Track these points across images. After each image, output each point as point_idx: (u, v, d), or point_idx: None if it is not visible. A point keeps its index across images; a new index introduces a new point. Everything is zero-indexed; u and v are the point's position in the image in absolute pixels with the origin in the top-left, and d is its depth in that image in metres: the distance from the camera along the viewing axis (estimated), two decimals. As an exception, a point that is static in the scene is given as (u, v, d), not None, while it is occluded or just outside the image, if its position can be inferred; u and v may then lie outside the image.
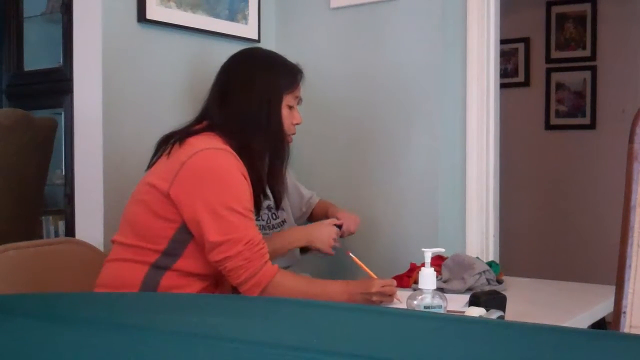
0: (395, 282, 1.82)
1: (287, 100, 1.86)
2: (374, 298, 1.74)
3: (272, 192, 1.89)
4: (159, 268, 1.67)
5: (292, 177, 2.39)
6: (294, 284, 1.71)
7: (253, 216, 1.70)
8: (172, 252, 1.67)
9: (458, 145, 2.45)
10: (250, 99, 1.79)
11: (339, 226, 2.17)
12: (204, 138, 1.72)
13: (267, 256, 1.67)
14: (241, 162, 1.71)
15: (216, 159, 1.68)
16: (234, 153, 1.70)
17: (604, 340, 0.80)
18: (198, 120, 1.82)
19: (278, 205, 1.99)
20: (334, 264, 2.48)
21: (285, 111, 1.85)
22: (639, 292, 1.21)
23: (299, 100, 1.91)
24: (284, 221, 2.28)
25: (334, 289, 1.75)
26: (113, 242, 1.74)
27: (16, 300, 1.00)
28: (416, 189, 2.43)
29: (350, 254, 1.94)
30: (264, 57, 1.90)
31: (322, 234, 2.09)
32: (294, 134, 1.92)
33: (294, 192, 2.38)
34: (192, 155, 1.66)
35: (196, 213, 1.63)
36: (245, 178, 1.70)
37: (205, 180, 1.65)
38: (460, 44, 2.45)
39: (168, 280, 1.66)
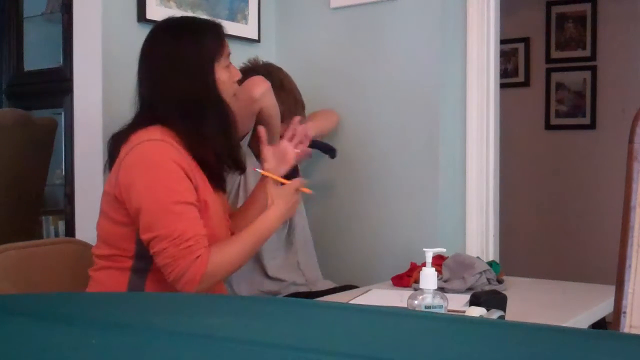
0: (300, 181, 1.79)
1: (221, 62, 1.74)
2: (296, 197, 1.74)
3: (233, 161, 1.79)
4: (138, 272, 1.65)
5: None
6: (227, 257, 1.63)
7: (188, 208, 1.60)
8: (144, 253, 1.63)
9: (458, 145, 2.45)
10: (182, 78, 1.69)
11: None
12: (143, 132, 1.64)
13: (200, 250, 1.57)
14: (179, 150, 1.63)
15: (147, 152, 1.62)
16: (170, 142, 1.63)
17: (604, 340, 0.80)
18: (140, 113, 1.73)
19: (243, 171, 1.87)
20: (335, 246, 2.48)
21: (223, 74, 1.75)
22: (639, 292, 1.21)
23: (230, 54, 1.79)
24: None
25: (265, 226, 1.71)
26: (92, 254, 1.73)
27: (16, 300, 1.00)
28: (416, 189, 2.43)
29: (256, 169, 1.84)
30: (181, 29, 1.76)
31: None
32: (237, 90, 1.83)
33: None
34: (129, 151, 1.62)
35: (134, 210, 1.60)
36: (183, 167, 1.61)
37: (136, 176, 1.60)
38: (460, 44, 2.45)
39: (153, 284, 1.65)
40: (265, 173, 1.77)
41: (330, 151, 2.40)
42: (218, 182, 1.76)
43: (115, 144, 1.69)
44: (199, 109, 1.69)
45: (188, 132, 1.67)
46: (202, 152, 1.69)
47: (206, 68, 1.72)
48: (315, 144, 2.26)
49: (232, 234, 1.80)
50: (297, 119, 2.03)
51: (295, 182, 1.76)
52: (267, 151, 1.87)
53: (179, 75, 1.70)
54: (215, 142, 1.71)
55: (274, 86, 2.14)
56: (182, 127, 1.67)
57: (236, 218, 1.92)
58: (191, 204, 1.61)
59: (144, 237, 1.59)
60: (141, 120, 1.70)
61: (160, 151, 1.62)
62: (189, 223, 1.59)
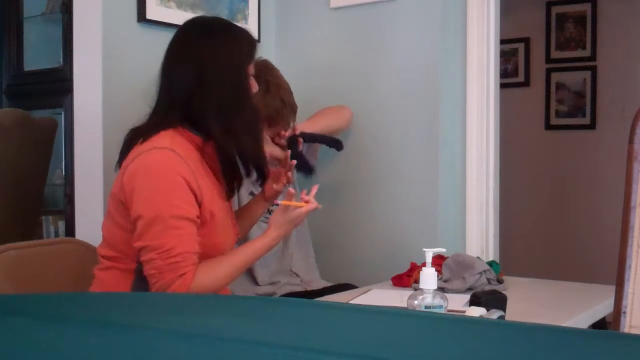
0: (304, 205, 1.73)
1: (250, 69, 1.74)
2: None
3: (256, 169, 1.78)
4: (142, 273, 1.64)
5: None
6: (213, 278, 1.61)
7: (185, 224, 1.58)
8: None
9: (458, 145, 2.45)
10: (222, 77, 1.67)
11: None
12: (155, 138, 1.62)
13: (187, 268, 1.56)
14: (186, 160, 1.60)
15: (152, 161, 1.60)
16: (178, 151, 1.60)
17: (604, 340, 0.80)
18: (164, 112, 1.68)
19: (265, 179, 1.85)
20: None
21: (252, 80, 1.74)
22: (639, 292, 1.21)
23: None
24: None
25: (257, 254, 1.70)
26: (97, 253, 1.73)
27: (16, 300, 1.00)
28: (416, 189, 2.43)
29: (278, 201, 1.79)
30: (217, 30, 1.73)
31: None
32: None
33: None
34: (135, 157, 1.61)
35: (134, 217, 1.59)
36: (187, 180, 1.59)
37: (138, 184, 1.59)
38: (460, 44, 2.45)
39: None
40: (286, 202, 1.72)
41: (335, 143, 2.36)
42: (233, 188, 1.76)
43: (131, 142, 1.66)
44: (235, 109, 1.68)
45: (221, 132, 1.65)
46: (230, 153, 1.69)
47: (243, 70, 1.71)
48: (319, 139, 2.24)
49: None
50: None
51: (310, 206, 1.72)
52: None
53: (219, 74, 1.67)
54: (246, 144, 1.70)
55: (259, 89, 2.14)
56: (216, 126, 1.65)
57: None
58: (189, 219, 1.59)
59: (137, 244, 1.58)
60: (163, 121, 1.67)
61: (165, 161, 1.60)
62: (182, 239, 1.57)
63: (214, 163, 1.71)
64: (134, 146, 1.64)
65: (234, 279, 1.69)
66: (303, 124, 2.31)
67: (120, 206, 1.63)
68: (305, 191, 1.78)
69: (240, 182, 1.79)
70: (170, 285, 1.56)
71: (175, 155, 1.60)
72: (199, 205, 1.63)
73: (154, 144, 1.61)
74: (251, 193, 2.22)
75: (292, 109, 2.26)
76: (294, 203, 1.71)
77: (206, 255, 1.64)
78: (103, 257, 1.70)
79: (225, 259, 1.67)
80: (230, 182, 1.73)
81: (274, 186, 1.88)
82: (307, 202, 1.72)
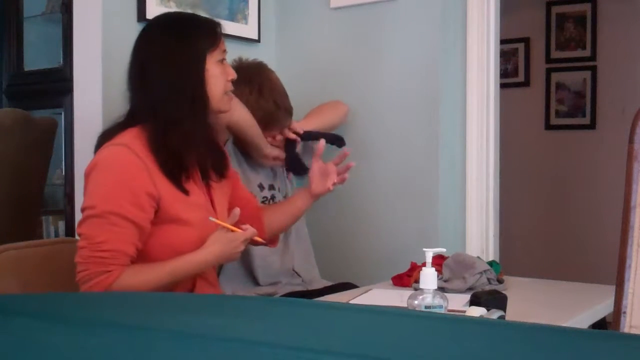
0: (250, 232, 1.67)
1: (214, 56, 1.69)
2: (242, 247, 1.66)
3: (213, 165, 1.74)
4: None
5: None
6: (137, 284, 1.57)
7: (122, 222, 1.55)
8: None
9: (458, 145, 2.45)
10: (169, 74, 1.65)
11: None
12: (122, 134, 1.63)
13: (113, 267, 1.54)
14: (144, 159, 1.58)
15: (105, 156, 1.61)
16: (135, 148, 1.58)
17: (604, 340, 0.80)
18: (127, 113, 1.69)
19: (224, 175, 1.79)
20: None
21: (216, 69, 1.69)
22: (639, 292, 1.21)
23: (225, 51, 1.75)
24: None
25: (188, 267, 1.63)
26: None
27: (16, 300, 1.00)
28: (416, 189, 2.43)
29: (210, 218, 1.68)
30: (171, 25, 1.73)
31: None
32: (232, 90, 1.76)
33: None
34: (95, 154, 1.64)
35: (81, 208, 1.61)
36: (137, 176, 1.57)
37: (89, 179, 1.61)
38: (460, 44, 2.45)
39: None
40: (216, 221, 1.65)
41: (337, 140, 2.34)
42: (180, 180, 1.66)
43: (99, 145, 1.68)
44: (174, 102, 1.64)
45: (167, 130, 1.62)
46: (168, 148, 1.63)
47: (195, 64, 1.67)
48: (321, 136, 2.23)
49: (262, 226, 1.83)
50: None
51: (246, 233, 1.65)
52: (315, 166, 1.93)
53: (163, 68, 1.66)
54: (182, 136, 1.64)
55: (252, 92, 2.13)
56: (163, 125, 1.62)
57: (271, 211, 1.96)
58: (129, 220, 1.56)
59: (77, 230, 1.60)
60: (126, 121, 1.68)
61: (116, 157, 1.60)
62: (116, 236, 1.56)
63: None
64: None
65: (159, 288, 1.61)
66: (302, 122, 2.30)
67: None
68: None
69: (188, 175, 1.68)
70: (93, 279, 1.54)
71: (129, 151, 1.59)
72: (157, 203, 1.60)
73: (112, 142, 1.63)
74: (260, 185, 2.22)
75: (287, 111, 2.24)
76: (230, 227, 1.64)
77: (161, 258, 1.62)
78: None
79: (154, 268, 1.62)
80: (172, 177, 1.64)
81: (326, 184, 1.93)
82: (244, 229, 1.66)
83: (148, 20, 2.20)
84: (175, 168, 1.65)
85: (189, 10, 2.34)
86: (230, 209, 1.71)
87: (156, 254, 1.63)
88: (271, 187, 2.27)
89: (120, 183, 1.59)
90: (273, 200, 2.25)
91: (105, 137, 1.67)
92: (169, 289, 1.64)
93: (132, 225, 1.57)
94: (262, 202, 2.21)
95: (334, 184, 1.96)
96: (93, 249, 1.55)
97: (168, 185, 1.62)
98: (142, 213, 1.58)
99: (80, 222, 1.60)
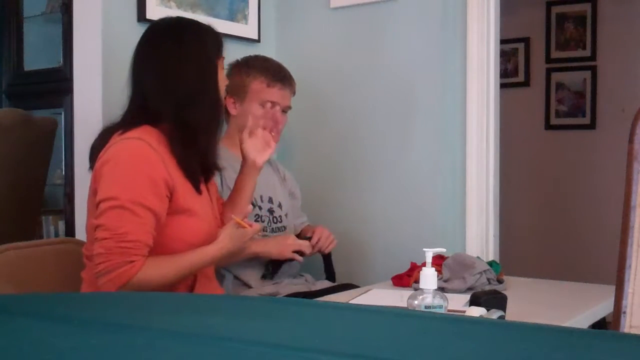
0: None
1: (219, 63, 1.78)
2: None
3: (212, 161, 1.78)
4: None
5: (298, 194, 2.40)
6: (159, 274, 1.60)
7: (144, 212, 1.58)
8: None
9: (458, 145, 2.45)
10: (188, 75, 1.71)
11: (309, 238, 2.16)
12: (132, 131, 1.65)
13: (137, 257, 1.56)
14: (158, 152, 1.62)
15: (121, 149, 1.62)
16: (149, 141, 1.62)
17: (604, 340, 0.80)
18: (133, 112, 1.72)
19: (211, 176, 1.84)
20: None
21: (221, 74, 1.78)
22: (639, 292, 1.21)
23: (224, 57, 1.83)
24: (285, 227, 2.26)
25: (203, 260, 1.67)
26: (83, 255, 1.73)
27: (16, 300, 1.00)
28: (416, 189, 2.43)
29: (232, 216, 1.74)
30: (182, 29, 1.78)
31: (278, 241, 2.10)
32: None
33: (296, 209, 2.38)
34: (107, 149, 1.64)
35: (97, 201, 1.60)
36: (159, 170, 1.61)
37: (105, 171, 1.61)
38: (460, 44, 2.44)
39: None
40: (237, 219, 1.70)
41: None
42: (199, 182, 1.74)
43: (104, 140, 1.68)
44: (192, 104, 1.70)
45: (185, 128, 1.67)
46: (192, 150, 1.69)
47: (211, 66, 1.75)
48: None
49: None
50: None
51: (254, 229, 1.71)
52: (247, 146, 1.89)
53: (185, 72, 1.71)
54: (205, 140, 1.72)
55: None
56: (180, 122, 1.67)
57: (225, 208, 1.93)
58: (149, 209, 1.59)
59: (95, 222, 1.59)
60: (132, 119, 1.69)
61: (134, 149, 1.62)
62: (138, 227, 1.58)
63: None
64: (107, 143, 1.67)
65: (179, 279, 1.66)
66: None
67: (94, 198, 1.64)
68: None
69: (207, 176, 1.79)
70: (116, 269, 1.55)
71: (144, 143, 1.62)
72: (170, 194, 1.64)
73: (124, 136, 1.64)
74: None
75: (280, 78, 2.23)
76: (243, 223, 1.70)
77: (172, 248, 1.65)
78: (87, 257, 1.70)
79: (175, 260, 1.65)
80: (192, 176, 1.70)
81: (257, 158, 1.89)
82: (250, 225, 1.72)
83: (148, 20, 2.20)
84: (197, 169, 1.72)
85: (189, 11, 2.34)
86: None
87: (167, 244, 1.65)
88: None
89: (140, 174, 1.61)
90: (283, 231, 2.25)
91: (111, 132, 1.68)
92: (174, 287, 1.67)
93: (152, 214, 1.60)
94: (271, 227, 2.23)
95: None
96: (118, 239, 1.56)
97: (181, 178, 1.67)
98: (161, 202, 1.62)
99: (100, 214, 1.58)
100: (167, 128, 1.67)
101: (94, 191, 1.64)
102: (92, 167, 1.69)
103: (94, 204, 1.63)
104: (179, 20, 1.83)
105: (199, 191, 1.72)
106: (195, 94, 1.71)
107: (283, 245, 2.10)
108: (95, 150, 1.69)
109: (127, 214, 1.57)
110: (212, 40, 1.77)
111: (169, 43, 1.74)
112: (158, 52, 1.74)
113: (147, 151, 1.62)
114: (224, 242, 1.68)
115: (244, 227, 1.69)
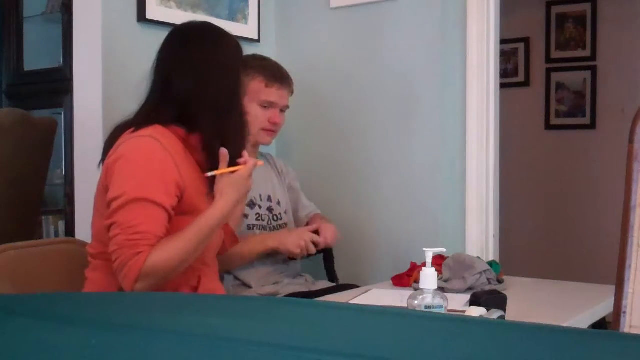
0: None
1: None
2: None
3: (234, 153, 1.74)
4: None
5: (297, 186, 2.39)
6: (168, 253, 1.57)
7: (153, 207, 1.57)
8: None
9: (458, 145, 2.45)
10: (220, 79, 1.72)
11: (317, 232, 2.15)
12: (144, 129, 1.65)
13: (143, 247, 1.54)
14: (169, 150, 1.63)
15: (132, 147, 1.62)
16: (159, 141, 1.62)
17: (604, 340, 0.80)
18: (152, 110, 1.71)
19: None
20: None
21: (243, 85, 1.83)
22: (639, 292, 1.21)
23: None
24: (285, 224, 2.26)
25: (215, 217, 1.63)
26: (87, 253, 1.72)
27: (16, 300, 1.00)
28: (416, 189, 2.43)
29: (207, 174, 1.69)
30: (214, 35, 1.78)
31: (292, 235, 2.11)
32: None
33: (298, 201, 2.37)
34: (119, 146, 1.64)
35: (109, 199, 1.59)
36: (165, 166, 1.61)
37: (117, 168, 1.61)
38: (460, 44, 2.45)
39: None
40: (216, 173, 1.67)
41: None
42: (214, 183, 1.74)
43: (116, 136, 1.68)
44: (228, 111, 1.72)
45: (212, 132, 1.68)
46: (217, 153, 1.69)
47: (239, 73, 1.77)
48: None
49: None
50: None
51: (248, 165, 1.68)
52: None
53: (217, 77, 1.71)
54: (232, 145, 1.71)
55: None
56: (209, 127, 1.68)
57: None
58: (161, 206, 1.59)
59: (107, 222, 1.59)
60: (147, 118, 1.69)
61: (146, 147, 1.62)
62: (147, 220, 1.57)
63: (199, 155, 1.71)
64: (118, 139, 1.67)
65: (190, 254, 1.62)
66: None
67: (105, 195, 1.63)
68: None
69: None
70: (127, 263, 1.54)
71: (156, 142, 1.62)
72: (181, 193, 1.63)
73: (136, 134, 1.64)
74: None
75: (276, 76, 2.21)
76: (230, 170, 1.67)
77: None
78: (92, 256, 1.70)
79: (181, 233, 1.61)
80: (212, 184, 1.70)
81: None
82: (244, 163, 1.69)
83: (148, 20, 2.21)
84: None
85: (190, 11, 2.34)
86: None
87: None
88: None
89: (151, 171, 1.61)
90: (284, 227, 2.25)
91: (123, 129, 1.68)
92: (179, 287, 1.66)
93: (162, 210, 1.59)
94: (271, 225, 2.23)
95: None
96: (128, 232, 1.55)
97: (192, 178, 1.67)
98: (171, 200, 1.61)
99: (111, 213, 1.58)
100: (196, 131, 1.68)
101: (104, 187, 1.64)
102: (102, 162, 1.69)
103: (105, 201, 1.63)
104: (208, 25, 1.83)
105: (211, 193, 1.69)
106: (232, 105, 1.73)
107: (295, 242, 2.08)
108: (108, 145, 1.69)
109: (138, 207, 1.57)
110: (238, 49, 1.79)
111: (210, 50, 1.74)
112: (197, 58, 1.73)
113: (159, 150, 1.62)
114: (225, 196, 1.65)
115: (234, 172, 1.67)
